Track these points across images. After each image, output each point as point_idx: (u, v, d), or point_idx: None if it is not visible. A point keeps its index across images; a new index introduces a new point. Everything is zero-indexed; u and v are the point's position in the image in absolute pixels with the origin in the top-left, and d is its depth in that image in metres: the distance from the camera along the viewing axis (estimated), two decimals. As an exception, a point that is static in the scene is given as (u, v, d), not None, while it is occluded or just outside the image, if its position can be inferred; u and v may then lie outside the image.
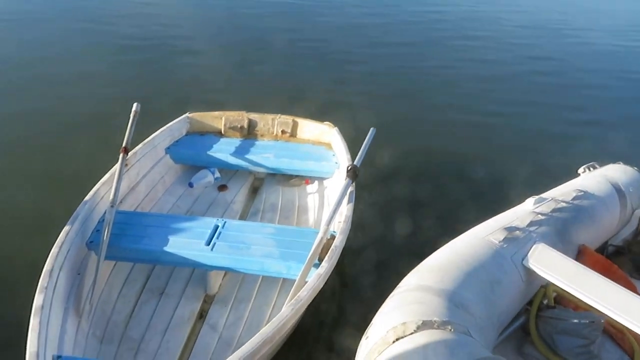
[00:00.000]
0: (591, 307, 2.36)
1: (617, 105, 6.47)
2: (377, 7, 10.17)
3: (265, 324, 2.16)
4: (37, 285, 2.17)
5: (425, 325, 1.82)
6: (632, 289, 2.91)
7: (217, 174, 3.80)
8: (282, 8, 9.47)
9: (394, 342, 1.81)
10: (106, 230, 2.60)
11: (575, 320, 2.43)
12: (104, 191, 2.90)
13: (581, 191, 3.12)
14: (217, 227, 2.80)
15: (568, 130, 5.54)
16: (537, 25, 9.98)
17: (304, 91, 5.85)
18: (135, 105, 3.40)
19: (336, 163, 3.68)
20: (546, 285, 2.64)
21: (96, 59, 6.57)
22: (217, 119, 4.00)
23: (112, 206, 2.72)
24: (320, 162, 3.70)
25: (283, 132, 4.01)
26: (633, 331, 2.21)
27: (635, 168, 3.52)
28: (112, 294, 2.76)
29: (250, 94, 5.53)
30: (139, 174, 3.36)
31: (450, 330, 1.83)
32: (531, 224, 2.71)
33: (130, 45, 7.19)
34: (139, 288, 2.84)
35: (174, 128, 3.83)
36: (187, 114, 3.97)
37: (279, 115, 4.05)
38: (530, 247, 2.56)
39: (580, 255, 2.84)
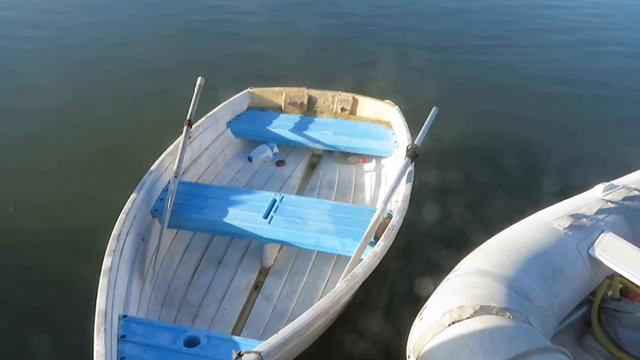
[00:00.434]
0: (661, 301, 2.25)
1: None
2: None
3: (319, 299, 2.19)
4: (105, 248, 2.29)
5: (483, 310, 1.79)
6: None
7: (276, 149, 3.85)
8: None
9: (449, 325, 1.79)
10: (169, 200, 2.71)
11: (642, 314, 2.33)
12: (169, 162, 3.01)
13: (657, 179, 2.94)
14: (274, 201, 2.85)
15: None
16: (618, 3, 9.31)
17: (365, 68, 5.78)
18: (199, 79, 3.48)
19: (395, 142, 3.63)
20: (612, 277, 2.54)
21: (162, 35, 6.74)
22: (278, 95, 4.03)
23: (175, 176, 2.82)
24: (379, 141, 3.67)
25: (343, 109, 4.00)
26: None
27: None
28: (174, 261, 2.88)
29: (311, 71, 5.51)
30: (201, 147, 3.46)
31: (509, 317, 1.79)
32: (599, 211, 2.59)
33: (194, 22, 7.33)
34: (198, 256, 2.95)
35: (236, 103, 3.90)
36: (248, 89, 4.02)
37: (339, 92, 4.03)
38: (598, 236, 2.45)
39: (652, 246, 2.69)
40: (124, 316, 2.11)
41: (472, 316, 1.78)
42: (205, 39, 6.69)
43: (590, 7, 8.96)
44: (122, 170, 3.71)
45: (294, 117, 3.91)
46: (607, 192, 2.76)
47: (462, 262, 2.20)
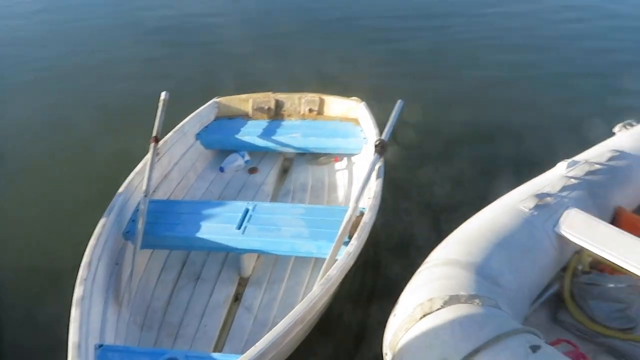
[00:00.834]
0: (628, 270, 2.32)
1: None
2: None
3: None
4: (76, 276, 2.28)
5: (452, 300, 1.84)
6: (674, 249, 2.82)
7: (247, 157, 3.86)
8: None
9: (421, 318, 1.84)
10: (141, 220, 2.71)
11: (612, 285, 2.41)
12: (137, 181, 3.00)
13: (617, 151, 3.01)
14: (247, 210, 2.87)
15: (602, 89, 5.30)
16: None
17: (331, 67, 5.79)
18: (163, 94, 3.47)
19: (364, 138, 3.67)
20: (581, 251, 2.60)
21: (121, 50, 6.67)
22: (245, 102, 4.03)
23: (145, 196, 2.82)
24: (348, 139, 3.70)
25: (310, 110, 4.02)
26: None
27: (676, 123, 3.36)
28: (150, 282, 2.89)
29: (276, 74, 5.52)
30: (170, 162, 3.45)
31: (478, 304, 1.83)
32: (563, 188, 2.66)
33: (155, 35, 7.27)
34: (175, 274, 2.96)
35: (203, 114, 3.90)
36: (215, 99, 4.02)
37: (306, 93, 4.04)
38: (563, 213, 2.51)
39: (616, 217, 2.77)
40: (100, 345, 2.10)
41: (442, 307, 1.82)
42: (166, 53, 6.62)
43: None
44: (91, 194, 3.69)
45: (262, 123, 3.92)
46: (570, 169, 2.82)
47: (431, 254, 2.25)
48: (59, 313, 2.35)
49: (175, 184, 3.46)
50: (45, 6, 8.43)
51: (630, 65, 5.82)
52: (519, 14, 7.46)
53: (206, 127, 3.90)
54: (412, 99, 3.81)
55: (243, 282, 2.87)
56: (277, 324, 2.00)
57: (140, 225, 2.69)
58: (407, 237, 3.28)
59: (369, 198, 2.90)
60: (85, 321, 2.08)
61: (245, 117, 4.02)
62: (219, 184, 3.69)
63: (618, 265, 2.34)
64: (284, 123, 3.93)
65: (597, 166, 2.87)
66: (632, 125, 3.38)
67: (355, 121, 3.89)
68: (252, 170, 3.81)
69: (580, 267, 2.59)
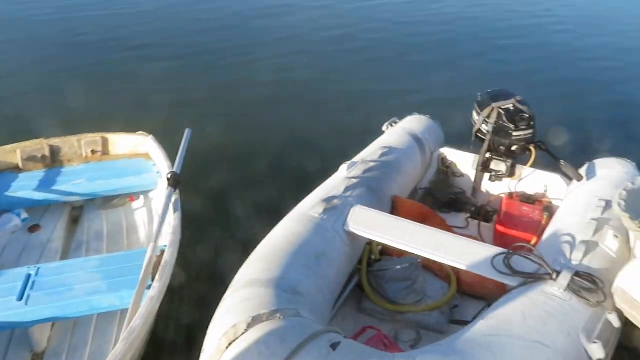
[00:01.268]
0: (408, 251, 2.63)
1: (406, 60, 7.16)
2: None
3: None
4: None
5: (255, 321, 1.87)
6: (442, 222, 3.29)
7: (24, 215, 3.41)
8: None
9: (227, 347, 1.83)
10: None
11: (398, 267, 2.69)
12: None
13: (386, 147, 3.40)
14: (29, 276, 2.55)
15: (367, 92, 6.01)
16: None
17: (112, 102, 5.49)
18: None
19: (158, 173, 3.56)
20: (370, 243, 2.86)
21: None
22: (12, 153, 3.58)
23: None
24: (141, 175, 3.55)
25: (93, 152, 3.74)
26: None
27: (427, 116, 3.92)
28: None
29: (52, 118, 5.02)
30: None
31: (280, 317, 1.89)
32: (346, 189, 2.90)
33: None
34: None
35: None
36: (-28, 156, 3.50)
37: (85, 134, 3.75)
38: (349, 212, 2.74)
39: (395, 205, 3.12)
40: None
41: (246, 331, 1.84)
42: None
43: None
44: None
45: (37, 174, 3.53)
46: (350, 170, 3.10)
47: (234, 278, 2.26)
48: None
49: None
50: None
51: (380, 63, 6.65)
52: (292, 28, 7.99)
53: None
54: (200, 126, 3.81)
55: (38, 359, 2.54)
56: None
57: None
58: (213, 266, 3.24)
59: (169, 234, 2.82)
60: None
61: (14, 170, 3.57)
62: None
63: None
64: (64, 170, 3.60)
65: (372, 164, 3.20)
66: (396, 123, 3.85)
67: (146, 156, 3.75)
68: (33, 229, 3.38)
69: (372, 257, 2.86)
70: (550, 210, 3.16)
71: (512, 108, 3.30)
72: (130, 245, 3.31)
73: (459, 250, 2.51)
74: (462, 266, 2.48)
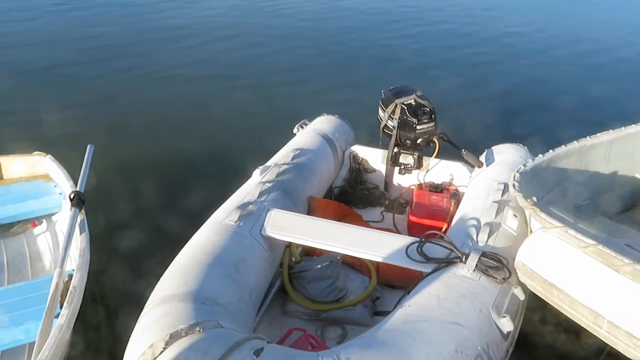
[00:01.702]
0: (326, 249, 2.66)
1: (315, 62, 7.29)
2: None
3: None
4: None
5: (173, 338, 1.80)
6: (358, 218, 3.37)
7: None
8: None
9: (146, 368, 1.76)
10: None
11: (319, 266, 2.70)
12: None
13: (298, 149, 3.42)
14: None
15: (275, 96, 6.04)
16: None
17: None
18: None
19: (61, 194, 3.35)
20: (290, 245, 2.86)
21: None
22: None
23: None
24: (42, 198, 3.32)
25: (-16, 178, 3.46)
26: None
27: (336, 115, 4.00)
28: None
29: None
30: None
31: (199, 331, 1.84)
32: (261, 194, 2.88)
33: None
34: None
35: None
36: None
37: None
38: (265, 217, 2.72)
39: (311, 206, 3.15)
40: None
41: (164, 349, 1.77)
42: None
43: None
44: None
45: None
46: (264, 174, 3.09)
47: (150, 296, 2.17)
48: None
49: None
50: None
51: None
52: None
53: None
54: (102, 141, 3.63)
55: None
56: None
57: None
58: (128, 286, 3.09)
59: (77, 257, 2.66)
60: None
61: None
62: None
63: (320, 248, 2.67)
64: None
65: (285, 166, 3.20)
66: (306, 124, 3.90)
67: (46, 177, 3.52)
68: None
69: (293, 259, 2.86)
70: (456, 197, 3.33)
71: (413, 103, 3.44)
72: (35, 274, 3.08)
73: (376, 244, 2.58)
74: (379, 259, 2.55)
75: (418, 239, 2.55)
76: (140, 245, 3.46)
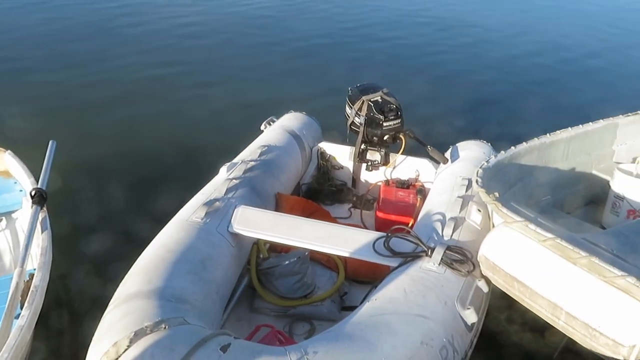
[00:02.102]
0: (294, 245, 2.67)
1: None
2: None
3: None
4: None
5: (138, 335, 1.78)
6: (326, 214, 3.39)
7: None
8: None
9: (110, 367, 1.73)
10: None
11: (287, 262, 2.71)
12: None
13: (266, 146, 3.41)
14: None
15: (242, 93, 6.00)
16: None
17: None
18: None
19: (21, 191, 3.25)
20: (257, 241, 2.86)
21: None
22: None
23: None
24: (1, 195, 3.22)
25: (-62, 175, 3.32)
26: None
27: (304, 112, 4.00)
28: None
29: None
30: None
31: (165, 328, 1.83)
32: (228, 191, 2.86)
33: None
34: None
35: None
36: None
37: None
38: (232, 213, 2.71)
39: (279, 202, 3.15)
40: None
41: (128, 347, 1.75)
42: None
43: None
44: None
45: None
46: (231, 171, 3.07)
47: (114, 294, 2.13)
48: None
49: None
50: None
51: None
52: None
53: None
54: (65, 137, 3.54)
55: None
56: None
57: None
58: (92, 285, 3.02)
59: (38, 256, 2.59)
60: None
61: None
62: None
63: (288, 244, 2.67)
64: None
65: (253, 163, 3.19)
66: (274, 121, 3.89)
67: (5, 173, 3.41)
68: None
69: (261, 256, 2.85)
70: (422, 193, 3.38)
71: (380, 100, 3.48)
72: (-7, 275, 2.98)
73: (344, 239, 2.61)
74: (347, 254, 2.57)
75: (385, 234, 2.58)
76: (104, 243, 3.39)
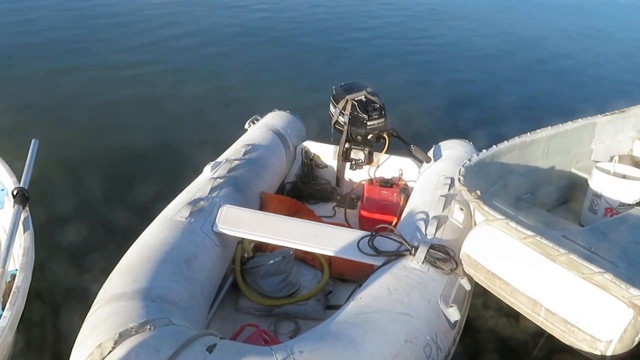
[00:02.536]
0: (279, 245, 2.67)
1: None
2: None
3: None
4: None
5: (123, 336, 1.77)
6: (310, 213, 3.41)
7: None
8: None
9: (94, 369, 1.72)
10: None
11: (271, 261, 2.72)
12: None
13: (250, 144, 3.41)
14: None
15: (226, 91, 5.98)
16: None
17: None
18: None
19: (2, 190, 3.19)
20: (242, 241, 2.86)
21: None
22: None
23: None
24: None
25: None
26: None
27: (288, 111, 4.00)
28: None
29: None
30: None
31: (150, 329, 1.82)
32: (212, 190, 2.86)
33: None
34: None
35: None
36: None
37: None
38: (217, 213, 2.71)
39: (263, 201, 3.15)
40: None
41: (113, 348, 1.74)
42: None
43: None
44: None
45: None
46: (215, 170, 3.06)
47: (98, 295, 2.12)
48: None
49: None
50: None
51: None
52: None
53: None
54: (47, 136, 3.49)
55: None
56: None
57: None
58: (75, 286, 2.99)
59: (20, 257, 2.56)
60: None
61: None
62: None
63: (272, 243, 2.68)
64: None
65: (237, 162, 3.19)
66: (258, 120, 3.88)
67: None
68: None
69: (245, 255, 2.85)
70: (406, 192, 3.42)
71: (364, 99, 3.50)
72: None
73: (328, 238, 2.62)
74: (331, 253, 2.59)
75: (369, 233, 2.60)
76: (88, 243, 3.36)
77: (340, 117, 3.55)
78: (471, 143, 3.68)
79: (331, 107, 3.64)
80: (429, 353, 2.01)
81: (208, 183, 2.90)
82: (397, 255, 2.45)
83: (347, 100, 3.49)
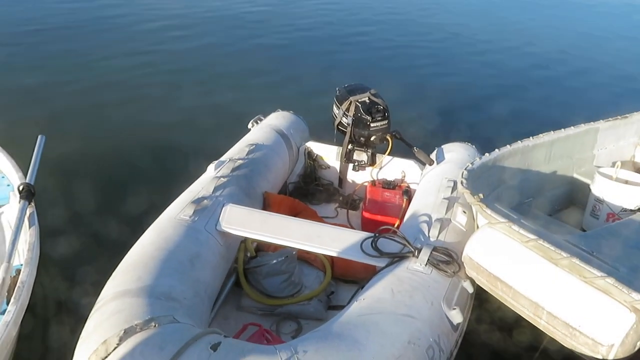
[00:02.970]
0: (282, 244, 2.68)
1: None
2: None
3: None
4: None
5: (128, 333, 1.78)
6: (313, 214, 3.41)
7: None
8: None
9: (99, 366, 1.73)
10: None
11: (274, 261, 2.72)
12: None
13: (253, 144, 3.42)
14: None
15: (230, 90, 5.99)
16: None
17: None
18: None
19: (8, 185, 3.20)
20: (245, 240, 2.87)
21: None
22: None
23: None
24: None
25: None
26: None
27: (291, 111, 4.02)
28: None
29: None
30: None
31: (155, 326, 1.83)
32: (216, 189, 2.87)
33: None
34: None
35: None
36: None
37: None
38: (220, 212, 2.72)
39: (266, 201, 3.16)
40: None
41: (118, 345, 1.75)
42: None
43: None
44: None
45: None
46: (218, 169, 3.07)
47: (102, 292, 2.13)
48: None
49: None
50: None
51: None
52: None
53: None
54: (54, 132, 3.51)
55: None
56: None
57: None
58: (79, 282, 2.99)
59: (25, 252, 2.56)
60: None
61: None
62: None
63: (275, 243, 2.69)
64: None
65: (240, 161, 3.20)
66: (261, 119, 3.89)
67: None
68: None
69: (248, 254, 2.86)
70: (408, 194, 3.43)
71: (367, 101, 3.51)
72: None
73: (331, 239, 2.63)
74: (334, 253, 2.59)
75: (372, 234, 2.61)
76: (93, 239, 3.37)
77: (344, 119, 3.56)
78: (474, 146, 3.69)
79: (335, 108, 3.65)
80: (432, 355, 2.02)
81: (212, 182, 2.91)
82: (400, 257, 2.46)
83: (351, 102, 3.50)
